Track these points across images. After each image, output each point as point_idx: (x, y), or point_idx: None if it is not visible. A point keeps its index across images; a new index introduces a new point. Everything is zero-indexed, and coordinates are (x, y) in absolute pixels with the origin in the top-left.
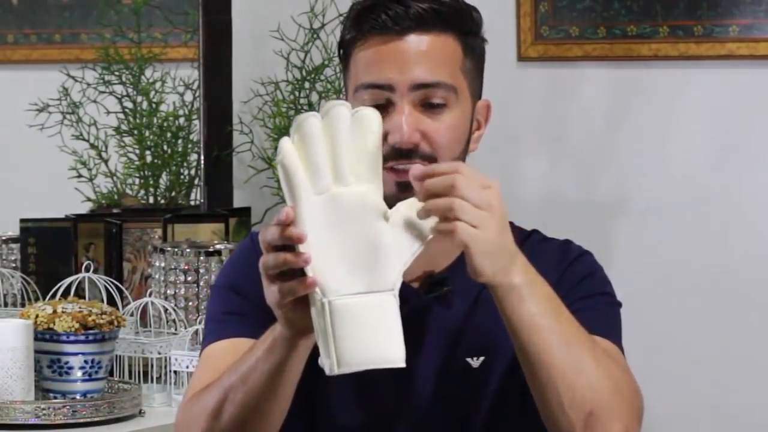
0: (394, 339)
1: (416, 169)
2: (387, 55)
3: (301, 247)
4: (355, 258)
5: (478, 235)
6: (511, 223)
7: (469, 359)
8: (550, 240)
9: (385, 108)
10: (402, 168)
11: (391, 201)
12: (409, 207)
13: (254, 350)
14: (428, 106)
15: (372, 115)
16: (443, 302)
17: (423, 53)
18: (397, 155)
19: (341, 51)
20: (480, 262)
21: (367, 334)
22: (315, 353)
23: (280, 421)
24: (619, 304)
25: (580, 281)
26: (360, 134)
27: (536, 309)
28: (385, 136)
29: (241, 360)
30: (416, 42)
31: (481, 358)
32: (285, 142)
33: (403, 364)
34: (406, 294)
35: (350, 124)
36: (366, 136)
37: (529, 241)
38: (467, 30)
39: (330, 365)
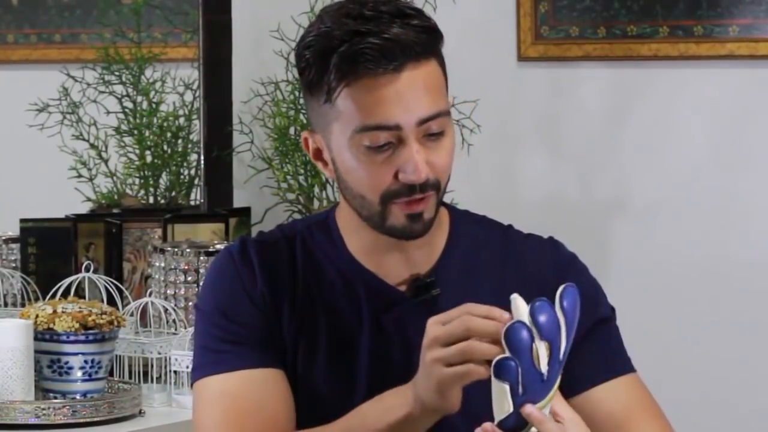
0: None
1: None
2: (388, 96)
3: None
4: None
5: None
6: (484, 217)
7: None
8: (533, 236)
9: (387, 146)
10: (412, 199)
11: (401, 232)
12: None
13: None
14: (429, 136)
15: None
16: (431, 305)
17: (421, 87)
18: (410, 191)
19: (321, 82)
20: None
21: None
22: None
23: None
24: (615, 315)
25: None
26: None
27: None
28: (394, 175)
29: None
30: (412, 77)
31: None
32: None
33: None
34: (394, 298)
35: None
36: None
37: (511, 238)
38: (441, 47)
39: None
